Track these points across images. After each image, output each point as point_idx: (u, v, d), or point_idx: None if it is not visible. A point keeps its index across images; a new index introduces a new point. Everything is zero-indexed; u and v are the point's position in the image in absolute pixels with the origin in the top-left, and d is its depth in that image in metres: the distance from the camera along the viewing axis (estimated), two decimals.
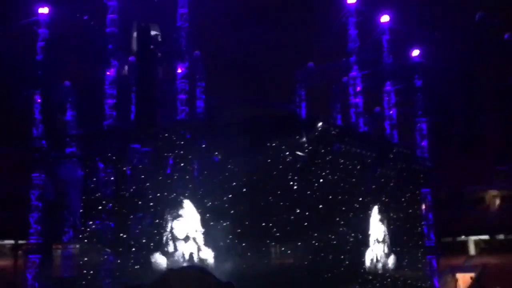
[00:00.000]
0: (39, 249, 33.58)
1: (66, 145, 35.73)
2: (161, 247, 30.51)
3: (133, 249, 30.15)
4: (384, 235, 37.82)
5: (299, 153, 32.38)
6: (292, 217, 32.01)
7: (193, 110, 36.84)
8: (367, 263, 36.09)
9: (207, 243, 30.75)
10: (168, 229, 30.84)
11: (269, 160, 32.14)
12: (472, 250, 54.44)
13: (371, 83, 42.75)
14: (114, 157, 32.29)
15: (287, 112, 42.75)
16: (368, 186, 36.76)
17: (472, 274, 46.59)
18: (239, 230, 30.35)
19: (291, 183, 32.70)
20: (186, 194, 31.08)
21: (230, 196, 30.93)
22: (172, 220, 30.89)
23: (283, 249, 33.21)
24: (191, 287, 2.03)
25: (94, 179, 32.83)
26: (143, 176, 31.77)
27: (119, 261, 30.31)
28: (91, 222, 32.00)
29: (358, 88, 41.07)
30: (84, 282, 30.57)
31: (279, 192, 31.94)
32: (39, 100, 34.73)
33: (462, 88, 44.11)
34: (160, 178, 31.25)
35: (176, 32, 35.42)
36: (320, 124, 34.85)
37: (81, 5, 36.32)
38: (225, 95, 46.44)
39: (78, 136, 35.54)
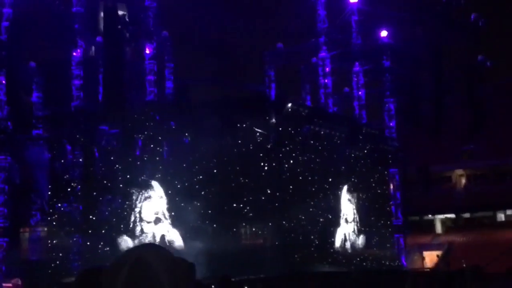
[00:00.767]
0: (6, 232, 33.09)
1: (33, 126, 35.17)
2: (130, 229, 30.40)
3: (103, 231, 29.98)
4: (353, 215, 38.29)
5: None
6: (263, 198, 32.16)
7: (162, 91, 36.50)
8: (337, 242, 36.52)
9: (177, 224, 30.72)
10: (138, 211, 30.71)
11: (239, 141, 32.16)
12: (438, 228, 55.44)
13: (340, 64, 42.87)
14: (82, 139, 31.93)
15: (256, 93, 42.67)
16: (337, 167, 37.09)
17: (439, 252, 47.46)
18: (210, 211, 30.38)
19: (262, 164, 32.80)
20: (156, 176, 30.95)
21: (200, 177, 30.89)
22: (142, 202, 30.76)
23: (253, 229, 33.39)
24: (152, 266, 1.99)
25: (62, 161, 32.44)
26: (112, 158, 31.52)
27: (88, 243, 30.12)
28: (59, 205, 31.67)
29: (327, 69, 41.15)
30: (52, 265, 30.32)
31: (249, 173, 32.03)
32: (3, 81, 34.02)
33: (430, 69, 44.53)
34: (129, 159, 31.05)
35: (144, 12, 34.94)
36: (289, 105, 34.94)
37: None
38: (195, 76, 46.17)
39: (45, 118, 34.98)
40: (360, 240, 38.26)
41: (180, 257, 2.11)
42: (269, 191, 32.40)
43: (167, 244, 29.86)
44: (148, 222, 30.64)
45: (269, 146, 33.37)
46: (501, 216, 55.08)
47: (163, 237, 30.42)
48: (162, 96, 35.76)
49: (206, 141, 30.03)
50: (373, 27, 43.15)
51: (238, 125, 32.14)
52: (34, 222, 35.18)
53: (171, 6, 38.65)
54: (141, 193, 30.59)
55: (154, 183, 30.73)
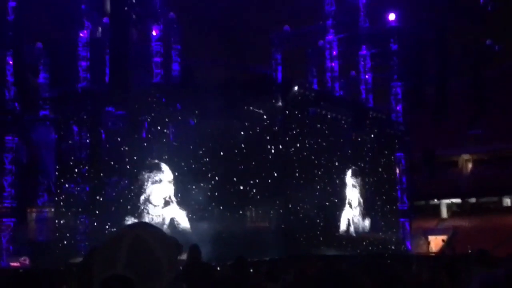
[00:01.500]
0: (13, 212, 33.34)
1: (40, 107, 35.24)
2: (137, 210, 30.55)
3: (109, 212, 30.14)
4: (359, 199, 38.32)
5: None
6: (269, 181, 32.20)
7: (169, 73, 36.43)
8: (342, 226, 36.60)
9: (183, 206, 30.84)
10: (144, 192, 30.84)
11: (245, 124, 32.15)
12: (444, 213, 55.43)
13: (347, 47, 42.59)
14: (88, 120, 32.00)
15: (263, 76, 42.50)
16: (343, 150, 37.07)
17: (444, 237, 47.49)
18: (216, 193, 30.46)
19: (268, 146, 32.81)
20: (162, 158, 31.02)
21: (206, 159, 30.94)
22: (148, 184, 30.87)
23: (259, 212, 33.47)
24: (150, 243, 2.05)
25: (69, 142, 32.56)
26: (118, 140, 31.60)
27: (95, 224, 30.30)
28: (66, 186, 31.85)
29: (334, 52, 40.90)
30: (59, 245, 30.55)
31: (255, 156, 32.05)
32: (10, 62, 34.02)
33: (437, 52, 44.19)
34: (135, 141, 31.12)
35: None
36: (296, 88, 34.84)
37: None
38: (201, 58, 46.01)
39: (52, 99, 35.02)
40: (366, 224, 38.33)
41: (168, 235, 2.22)
42: (275, 174, 32.45)
43: (176, 226, 30.05)
44: (155, 203, 30.78)
45: (275, 129, 33.34)
46: (507, 201, 54.96)
47: (172, 220, 30.55)
48: (169, 78, 35.70)
49: (212, 123, 30.03)
50: (381, 10, 42.81)
51: (245, 107, 32.11)
52: (41, 203, 35.42)
53: None
54: (149, 176, 30.68)
55: (161, 165, 30.81)
